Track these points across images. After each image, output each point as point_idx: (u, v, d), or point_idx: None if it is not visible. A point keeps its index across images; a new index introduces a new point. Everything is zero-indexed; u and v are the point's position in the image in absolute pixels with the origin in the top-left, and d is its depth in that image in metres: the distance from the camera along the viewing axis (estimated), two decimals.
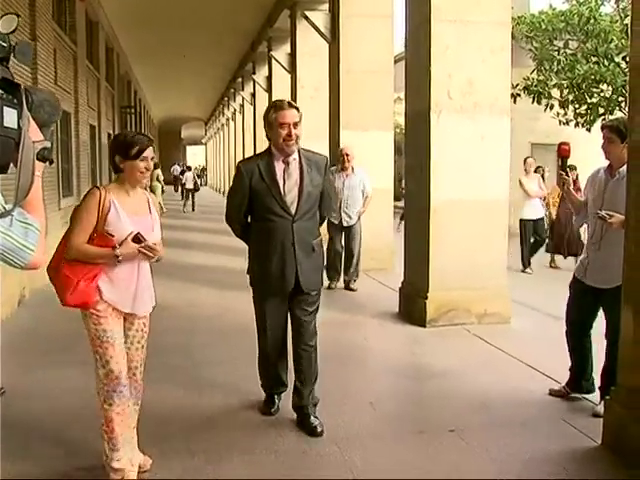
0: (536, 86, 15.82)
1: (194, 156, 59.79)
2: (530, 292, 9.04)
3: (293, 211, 4.33)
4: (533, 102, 15.80)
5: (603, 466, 3.89)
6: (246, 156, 26.41)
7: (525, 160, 12.43)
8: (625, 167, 4.24)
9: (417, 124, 7.44)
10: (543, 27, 15.92)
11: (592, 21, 15.01)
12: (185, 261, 12.08)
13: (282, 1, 15.39)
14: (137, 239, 3.51)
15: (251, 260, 4.58)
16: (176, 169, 32.79)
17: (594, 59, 15.28)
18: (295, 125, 4.25)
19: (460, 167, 7.08)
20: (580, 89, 15.39)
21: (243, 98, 26.91)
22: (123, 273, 3.57)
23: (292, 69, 15.17)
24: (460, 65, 7.02)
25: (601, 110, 15.70)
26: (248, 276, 4.59)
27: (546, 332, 6.66)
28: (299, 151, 4.40)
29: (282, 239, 4.34)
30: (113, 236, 3.49)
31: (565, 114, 15.72)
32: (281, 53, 16.56)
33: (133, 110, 27.40)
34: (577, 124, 15.82)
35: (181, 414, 4.68)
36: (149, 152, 3.63)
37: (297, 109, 4.33)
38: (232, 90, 30.85)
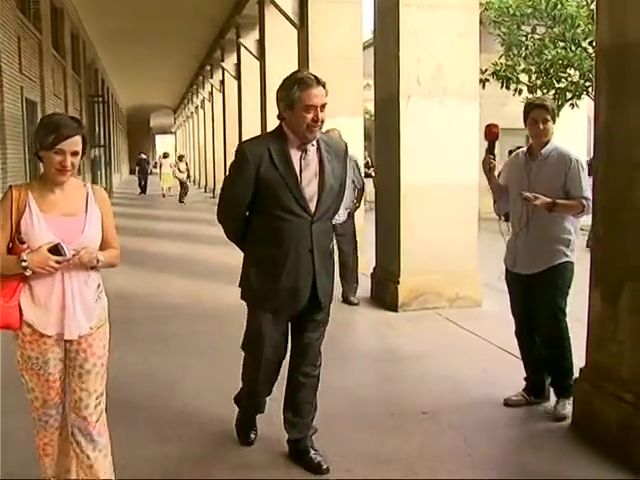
0: (504, 71, 15.92)
1: (163, 145, 59.24)
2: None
3: (313, 209, 3.47)
4: (502, 87, 15.91)
5: (571, 444, 3.96)
6: (215, 144, 26.48)
7: None
8: (549, 148, 4.33)
9: (386, 110, 7.45)
10: (511, 12, 16.00)
11: (559, 6, 15.11)
12: (155, 250, 12.02)
13: None
14: (56, 249, 2.83)
15: (249, 269, 3.67)
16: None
17: (561, 44, 15.40)
18: (323, 107, 3.39)
19: (429, 152, 7.11)
20: (548, 74, 15.52)
21: (212, 86, 26.72)
22: (43, 288, 2.92)
23: (261, 56, 15.08)
24: (429, 50, 7.04)
25: (569, 95, 15.87)
26: (241, 290, 3.75)
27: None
28: None
29: (297, 244, 3.48)
30: (24, 243, 2.87)
31: None
32: (250, 40, 16.46)
33: (101, 99, 27.10)
34: None
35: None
36: (70, 145, 2.88)
37: (324, 86, 3.43)
38: (201, 78, 30.61)
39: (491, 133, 4.53)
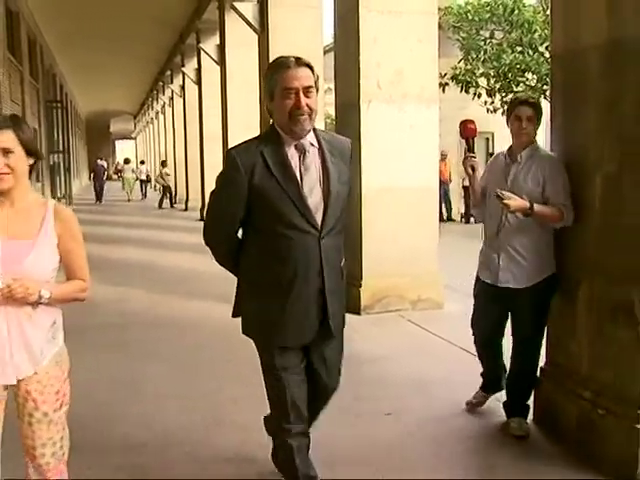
0: (464, 75, 16.10)
1: (123, 151, 58.66)
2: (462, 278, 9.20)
3: (319, 222, 2.96)
4: (461, 91, 16.08)
5: (534, 442, 4.01)
6: (177, 149, 26.31)
7: None
8: (531, 149, 3.99)
9: (347, 114, 7.49)
10: (469, 17, 16.19)
11: (516, 12, 15.34)
12: (119, 256, 11.91)
13: None
14: None
15: (245, 299, 3.18)
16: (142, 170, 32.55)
17: (519, 49, 15.62)
18: (307, 91, 2.88)
19: (390, 156, 7.16)
20: (506, 78, 15.72)
21: (172, 91, 26.57)
22: None
23: (222, 61, 15.06)
24: (389, 55, 7.10)
25: None
26: (241, 324, 3.27)
27: None
28: (316, 133, 3.04)
29: (303, 265, 2.96)
30: None
31: (492, 102, 16.04)
32: (210, 45, 16.41)
33: (59, 104, 26.75)
34: (504, 112, 16.17)
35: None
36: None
37: (311, 68, 2.93)
38: (161, 83, 30.41)
39: (468, 130, 4.18)
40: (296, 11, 10.69)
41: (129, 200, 29.00)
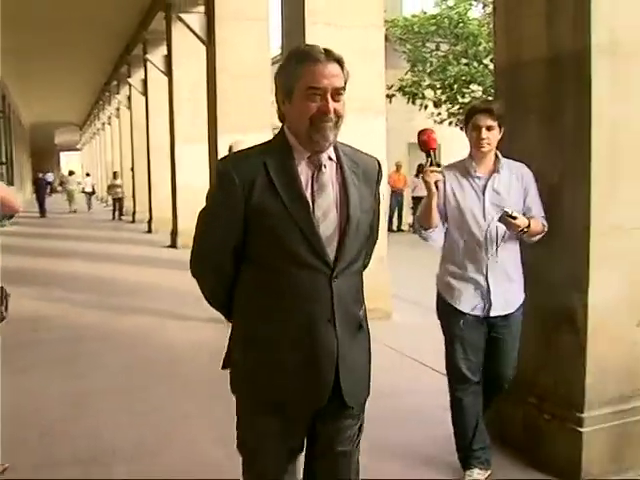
0: (410, 87, 16.34)
1: (68, 162, 57.82)
2: (410, 288, 9.31)
3: (332, 256, 2.31)
4: (408, 102, 16.30)
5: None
6: (123, 161, 26.03)
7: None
8: (501, 161, 3.64)
9: None
10: (415, 30, 16.46)
11: (461, 24, 15.66)
12: (66, 270, 11.72)
13: (157, 3, 15.16)
14: None
15: (238, 349, 2.46)
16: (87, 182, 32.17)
17: (464, 61, 15.93)
18: (337, 94, 2.27)
19: None
20: (452, 89, 16.01)
21: (119, 102, 26.29)
22: None
23: (169, 72, 14.97)
24: None
25: None
26: (229, 373, 2.50)
27: (425, 325, 6.87)
28: (335, 145, 2.40)
29: (310, 310, 2.32)
30: None
31: (439, 114, 16.30)
32: (157, 56, 16.29)
33: (1, 115, 26.24)
34: (450, 123, 16.44)
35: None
36: None
37: (342, 64, 2.32)
38: (107, 94, 30.07)
39: (431, 140, 3.46)
40: (243, 23, 10.71)
41: (73, 212, 28.70)
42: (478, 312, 3.61)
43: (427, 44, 16.61)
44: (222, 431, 4.33)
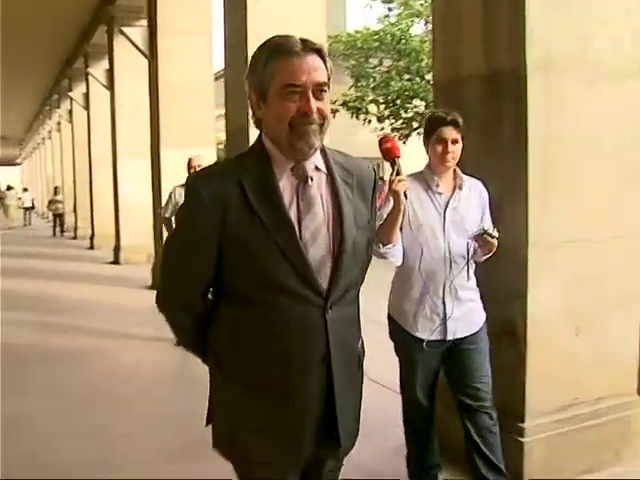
0: (354, 102, 16.48)
1: (6, 177, 56.55)
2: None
3: (325, 284, 1.99)
4: (352, 117, 16.44)
5: None
6: (64, 176, 25.58)
7: None
8: (462, 177, 3.43)
9: (237, 140, 7.50)
10: (359, 46, 16.63)
11: (404, 41, 15.89)
12: (6, 287, 11.44)
13: (98, 16, 14.99)
14: None
15: (218, 396, 2.12)
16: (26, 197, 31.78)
17: (407, 76, 16.16)
18: (319, 90, 1.93)
19: None
20: (395, 104, 16.21)
21: (60, 116, 25.88)
22: None
23: (111, 86, 14.80)
24: None
25: (415, 124, 16.59)
26: (211, 429, 2.14)
27: (370, 338, 6.91)
28: (324, 152, 2.07)
29: (300, 351, 1.99)
30: None
31: (382, 128, 16.46)
32: (99, 69, 16.10)
33: None
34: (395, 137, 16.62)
35: None
36: None
37: (322, 55, 1.97)
38: (48, 108, 29.58)
39: (395, 148, 3.00)
40: (186, 37, 10.68)
41: (10, 228, 28.16)
42: (437, 336, 3.34)
43: (370, 60, 16.79)
44: (166, 451, 4.29)
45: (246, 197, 1.93)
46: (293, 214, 1.96)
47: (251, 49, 7.04)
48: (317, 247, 1.98)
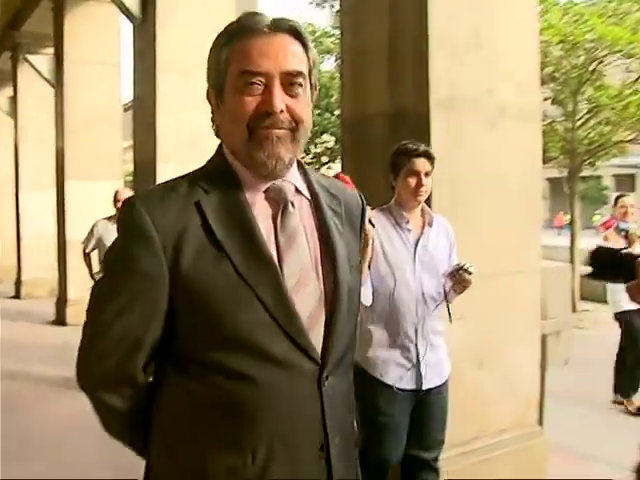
0: None
1: None
2: None
3: (319, 347, 1.49)
4: None
5: None
6: None
7: None
8: (431, 213, 3.24)
9: (145, 174, 7.40)
10: None
11: None
12: None
13: (2, 42, 14.59)
14: None
15: None
16: None
17: (317, 111, 16.33)
18: (290, 82, 1.45)
19: None
20: None
21: None
22: None
23: (14, 114, 14.38)
24: (186, 116, 7.11)
25: (325, 159, 16.81)
26: None
27: None
28: (305, 172, 1.62)
29: (292, 438, 1.47)
30: None
31: None
32: (2, 97, 15.63)
33: None
34: None
35: None
36: None
37: (301, 38, 1.49)
38: None
39: (349, 184, 2.83)
40: (93, 67, 10.51)
41: None
42: (408, 385, 3.06)
43: None
44: None
45: (208, 227, 1.43)
46: (273, 250, 1.47)
47: (160, 77, 7.01)
48: (306, 296, 1.48)
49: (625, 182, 41.63)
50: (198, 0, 7.26)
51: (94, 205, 9.77)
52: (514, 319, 4.08)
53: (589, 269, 2.24)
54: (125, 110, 11.93)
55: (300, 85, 1.47)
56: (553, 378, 4.88)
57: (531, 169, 4.15)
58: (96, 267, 6.77)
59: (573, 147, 12.54)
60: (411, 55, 3.81)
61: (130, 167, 17.03)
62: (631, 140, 13.09)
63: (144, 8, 7.26)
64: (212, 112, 1.59)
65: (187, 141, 7.14)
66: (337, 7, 15.89)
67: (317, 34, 17.17)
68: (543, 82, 11.02)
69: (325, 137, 16.69)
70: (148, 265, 1.42)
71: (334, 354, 1.50)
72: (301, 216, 1.54)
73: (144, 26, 7.29)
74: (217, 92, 1.54)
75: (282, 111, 1.44)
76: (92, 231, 6.88)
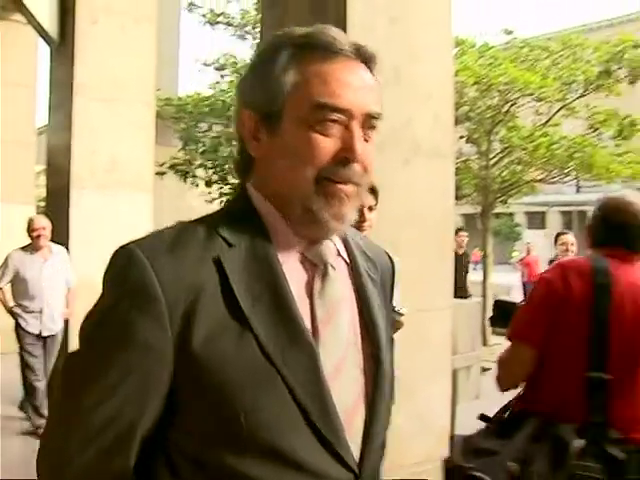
0: (182, 165, 16.44)
1: None
2: None
3: (357, 450, 1.16)
4: (180, 180, 16.37)
5: None
6: None
7: None
8: None
9: (58, 200, 7.21)
10: (189, 110, 16.70)
11: (233, 108, 16.08)
12: None
13: None
14: None
15: None
16: None
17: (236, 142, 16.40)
18: (370, 127, 1.20)
19: (103, 245, 6.96)
20: (223, 170, 16.33)
21: None
22: None
23: None
24: (104, 142, 7.00)
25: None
26: None
27: None
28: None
29: None
30: None
31: (210, 193, 16.51)
32: None
33: None
34: (221, 202, 16.72)
35: None
36: None
37: (370, 66, 1.20)
38: None
39: None
40: (8, 88, 10.24)
41: None
42: None
43: (200, 124, 16.86)
44: None
45: (230, 292, 1.11)
46: (309, 325, 1.16)
47: (77, 101, 6.88)
48: (345, 384, 1.17)
49: (536, 219, 43.16)
50: (118, 25, 7.17)
51: (8, 229, 9.44)
52: (426, 355, 4.11)
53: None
54: (39, 134, 11.64)
55: (375, 127, 1.22)
56: (464, 412, 4.94)
57: (443, 206, 4.21)
58: (11, 301, 6.40)
59: (487, 184, 12.94)
60: None
61: (43, 192, 16.65)
62: (541, 179, 13.63)
63: (62, 31, 7.13)
64: (243, 138, 1.22)
65: (103, 167, 7.01)
66: (258, 39, 16.06)
67: (238, 65, 17.22)
68: (459, 121, 11.36)
69: None
70: (148, 334, 1.07)
71: (372, 457, 1.19)
72: (341, 283, 1.24)
73: (62, 49, 7.16)
74: (266, 118, 1.18)
75: (360, 160, 1.17)
76: (6, 264, 6.32)
